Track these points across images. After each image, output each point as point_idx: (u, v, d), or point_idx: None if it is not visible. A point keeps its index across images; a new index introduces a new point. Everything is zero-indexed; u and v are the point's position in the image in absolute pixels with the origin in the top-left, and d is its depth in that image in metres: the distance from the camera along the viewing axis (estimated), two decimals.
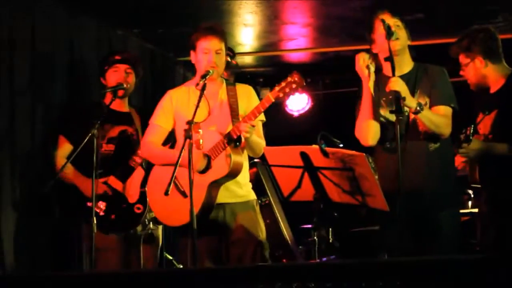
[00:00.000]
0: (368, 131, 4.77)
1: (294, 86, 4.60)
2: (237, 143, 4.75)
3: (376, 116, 4.75)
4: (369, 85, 4.72)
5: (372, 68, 4.72)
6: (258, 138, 4.84)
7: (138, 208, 5.40)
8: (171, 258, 6.32)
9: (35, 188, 5.43)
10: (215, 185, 4.79)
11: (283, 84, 4.62)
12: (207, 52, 4.84)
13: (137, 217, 5.41)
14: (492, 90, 4.92)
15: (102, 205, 5.33)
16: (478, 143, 4.70)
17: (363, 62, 4.69)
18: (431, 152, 4.71)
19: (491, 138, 4.81)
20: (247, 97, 5.00)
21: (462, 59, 4.95)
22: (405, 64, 4.81)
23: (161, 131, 5.02)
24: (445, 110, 4.69)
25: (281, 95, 4.62)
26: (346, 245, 7.16)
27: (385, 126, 4.77)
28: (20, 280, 3.88)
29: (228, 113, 4.90)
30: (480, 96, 5.01)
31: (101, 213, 5.30)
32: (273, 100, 4.62)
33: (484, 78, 4.91)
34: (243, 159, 4.85)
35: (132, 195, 5.41)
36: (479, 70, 4.90)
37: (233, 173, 4.78)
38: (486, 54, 4.88)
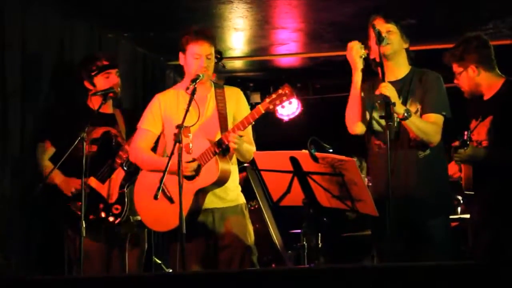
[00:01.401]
0: (355, 122, 4.78)
1: (284, 98, 4.62)
2: (226, 151, 4.76)
3: (364, 106, 4.75)
4: (358, 74, 4.71)
5: (363, 58, 4.70)
6: (247, 145, 4.84)
7: (116, 209, 5.36)
8: (159, 262, 6.31)
9: (25, 190, 5.43)
10: (202, 192, 4.79)
11: (273, 96, 4.63)
12: (198, 58, 4.84)
13: (115, 217, 5.36)
14: (486, 97, 4.93)
15: (79, 205, 5.31)
16: (473, 149, 4.70)
17: (356, 52, 4.69)
18: (421, 159, 4.69)
19: (486, 144, 4.81)
20: (236, 100, 5.00)
21: (456, 68, 4.96)
22: (401, 69, 4.80)
23: (150, 136, 5.00)
24: (435, 118, 4.67)
25: (271, 107, 4.63)
26: (335, 250, 7.17)
27: (378, 131, 4.77)
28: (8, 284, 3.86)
29: (217, 119, 4.90)
30: (473, 103, 5.02)
31: (79, 213, 5.27)
32: (263, 112, 4.64)
33: (477, 86, 4.92)
34: (231, 166, 4.85)
35: (111, 195, 5.38)
36: (472, 79, 4.91)
37: (220, 181, 4.78)
38: (479, 62, 4.89)
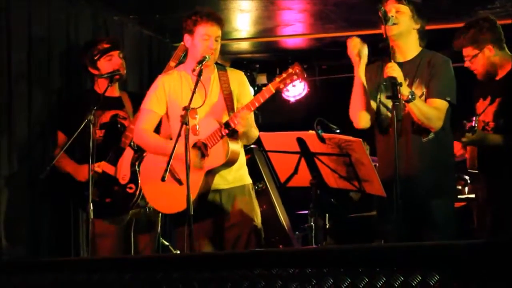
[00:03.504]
0: (359, 116, 4.74)
1: (295, 77, 4.61)
2: (235, 133, 4.74)
3: (368, 100, 4.72)
4: (359, 70, 4.68)
5: (365, 52, 4.68)
6: (253, 128, 4.83)
7: (130, 188, 5.35)
8: (167, 244, 6.32)
9: (33, 174, 5.45)
10: (212, 173, 4.79)
11: (284, 75, 4.62)
12: (207, 39, 4.82)
13: (130, 197, 5.35)
14: (497, 78, 4.91)
15: (95, 191, 5.32)
16: (480, 135, 4.67)
17: (353, 47, 4.66)
18: (425, 143, 4.64)
19: (493, 126, 4.80)
20: (238, 83, 4.98)
21: (470, 51, 4.91)
22: (410, 50, 4.73)
23: (154, 117, 4.97)
24: (439, 104, 4.59)
25: (281, 86, 4.63)
26: (343, 231, 7.17)
27: (384, 113, 4.75)
28: (18, 265, 3.88)
29: (223, 100, 4.89)
30: (482, 82, 4.99)
31: (96, 199, 5.29)
32: (274, 91, 4.63)
33: (494, 66, 4.91)
34: (240, 146, 4.85)
35: (124, 176, 5.37)
36: (490, 59, 4.89)
37: (230, 162, 4.77)
38: (493, 42, 4.89)
